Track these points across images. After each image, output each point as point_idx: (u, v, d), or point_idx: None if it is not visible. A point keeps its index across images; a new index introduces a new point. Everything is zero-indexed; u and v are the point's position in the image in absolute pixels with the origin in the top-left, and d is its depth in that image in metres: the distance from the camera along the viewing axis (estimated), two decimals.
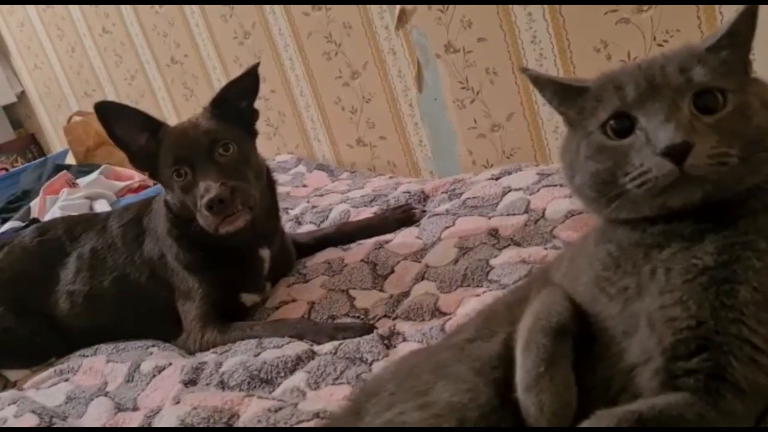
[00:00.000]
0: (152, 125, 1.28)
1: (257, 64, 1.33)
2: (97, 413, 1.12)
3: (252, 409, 0.95)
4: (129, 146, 1.29)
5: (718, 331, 0.54)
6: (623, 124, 0.59)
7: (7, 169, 3.56)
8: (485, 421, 0.59)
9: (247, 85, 1.32)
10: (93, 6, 2.91)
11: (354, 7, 1.86)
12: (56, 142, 3.83)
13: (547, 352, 0.59)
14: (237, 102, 1.32)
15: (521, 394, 0.59)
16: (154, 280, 1.36)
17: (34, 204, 2.41)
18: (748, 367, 0.53)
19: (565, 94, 0.65)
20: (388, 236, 1.44)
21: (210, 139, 1.24)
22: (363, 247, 1.42)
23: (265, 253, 1.35)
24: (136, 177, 2.38)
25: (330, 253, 1.44)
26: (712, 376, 0.54)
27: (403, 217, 1.49)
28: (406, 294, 1.21)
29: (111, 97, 3.09)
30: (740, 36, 0.60)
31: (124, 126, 1.27)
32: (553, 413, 0.57)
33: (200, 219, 1.21)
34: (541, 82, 0.67)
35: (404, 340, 1.06)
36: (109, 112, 1.26)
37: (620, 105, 0.59)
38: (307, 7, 1.99)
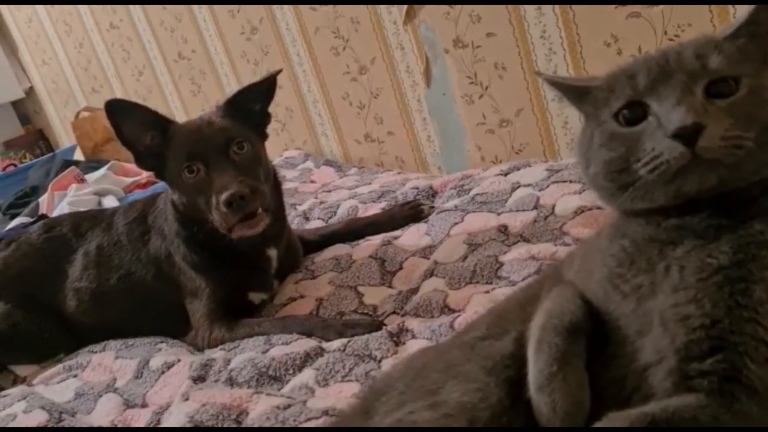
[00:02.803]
0: (161, 123, 1.27)
1: (279, 71, 1.33)
2: (105, 409, 1.13)
3: (260, 407, 0.95)
4: (136, 145, 1.28)
5: (732, 330, 0.53)
6: (636, 113, 0.59)
7: (15, 165, 3.57)
8: (496, 421, 0.58)
9: (265, 89, 1.32)
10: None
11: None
12: (64, 137, 3.83)
13: (560, 352, 0.58)
14: (251, 104, 1.31)
15: (533, 393, 0.58)
16: (161, 279, 1.36)
17: (43, 200, 2.42)
18: (764, 368, 0.52)
19: (578, 93, 0.66)
20: (396, 232, 1.43)
21: (225, 136, 1.23)
22: (371, 243, 1.41)
23: (273, 252, 1.35)
24: (144, 173, 2.38)
25: (338, 250, 1.44)
26: (726, 377, 0.53)
27: (412, 213, 1.48)
28: (415, 291, 1.21)
29: (118, 93, 3.09)
30: (759, 26, 0.59)
31: (133, 125, 1.26)
32: (566, 413, 0.57)
33: (216, 216, 1.19)
34: (555, 84, 0.69)
35: (413, 337, 1.05)
36: (119, 111, 1.25)
37: (632, 94, 0.59)
38: None
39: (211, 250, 1.30)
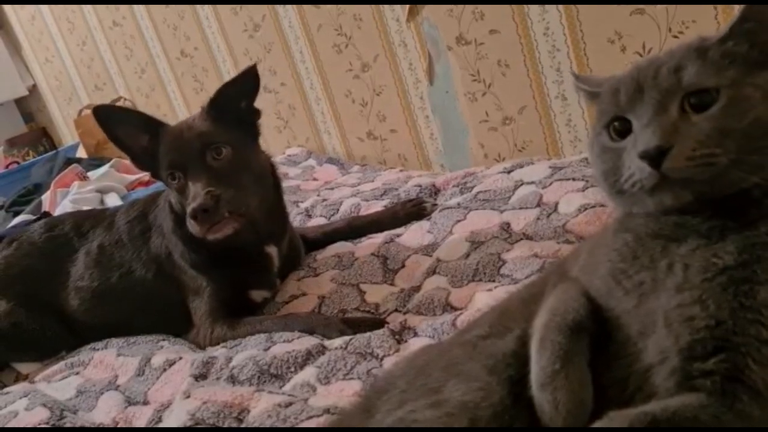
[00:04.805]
0: (152, 126, 1.28)
1: (255, 65, 1.31)
2: (107, 407, 1.12)
3: (262, 405, 0.94)
4: (131, 148, 1.29)
5: (736, 331, 0.53)
6: (623, 126, 0.60)
7: (18, 163, 3.58)
8: (498, 420, 0.58)
9: (246, 85, 1.30)
10: None
11: None
12: (67, 135, 3.84)
13: (563, 350, 0.58)
14: (236, 102, 1.30)
15: (536, 391, 0.58)
16: (162, 277, 1.36)
17: (45, 197, 2.42)
18: (766, 369, 0.52)
19: (592, 97, 0.68)
20: (398, 230, 1.43)
21: (202, 142, 1.23)
22: (373, 241, 1.41)
23: (273, 250, 1.35)
24: None
25: (340, 247, 1.44)
26: (728, 377, 0.53)
27: (414, 211, 1.48)
28: (417, 288, 1.20)
29: (121, 91, 3.10)
30: (751, 24, 0.58)
31: (124, 129, 1.27)
32: (569, 411, 0.56)
33: (188, 225, 1.20)
34: (577, 86, 0.71)
35: (415, 335, 1.05)
36: (108, 116, 1.26)
37: (616, 110, 0.61)
38: None
39: (209, 248, 1.29)
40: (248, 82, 1.30)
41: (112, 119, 1.26)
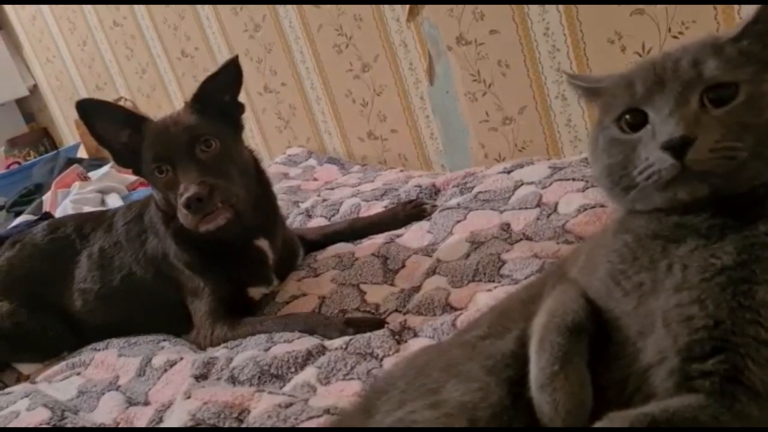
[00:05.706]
0: (134, 121, 1.27)
1: (236, 57, 1.31)
2: (108, 407, 1.13)
3: (262, 405, 0.95)
4: (112, 143, 1.29)
5: (735, 332, 0.53)
6: (637, 119, 0.59)
7: (19, 163, 3.58)
8: (496, 420, 0.58)
9: (229, 78, 1.30)
10: None
11: None
12: (68, 135, 3.84)
13: (562, 351, 0.58)
14: (220, 96, 1.30)
15: (535, 392, 0.58)
16: (161, 278, 1.37)
17: (46, 198, 2.42)
18: (765, 369, 0.52)
19: (589, 93, 0.67)
20: (399, 230, 1.43)
21: (190, 135, 1.23)
22: (374, 241, 1.41)
23: (264, 243, 1.34)
24: None
25: (341, 248, 1.44)
26: (727, 378, 0.53)
27: (414, 212, 1.48)
28: (417, 288, 1.20)
29: (122, 91, 3.10)
30: (765, 26, 0.58)
31: (106, 123, 1.27)
32: (568, 412, 0.56)
33: (180, 217, 1.20)
34: (572, 84, 0.70)
35: (415, 335, 1.06)
36: (90, 110, 1.26)
37: (630, 101, 0.60)
38: None
39: (198, 245, 1.30)
40: (230, 74, 1.30)
41: (93, 113, 1.26)
